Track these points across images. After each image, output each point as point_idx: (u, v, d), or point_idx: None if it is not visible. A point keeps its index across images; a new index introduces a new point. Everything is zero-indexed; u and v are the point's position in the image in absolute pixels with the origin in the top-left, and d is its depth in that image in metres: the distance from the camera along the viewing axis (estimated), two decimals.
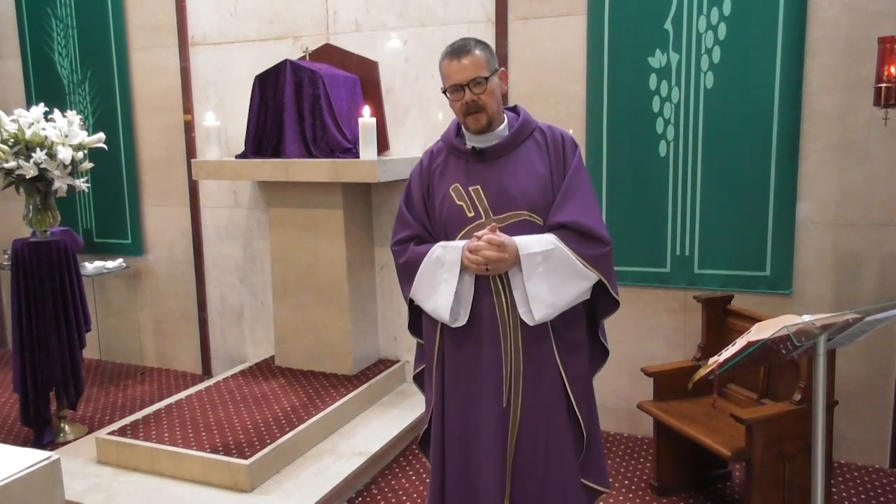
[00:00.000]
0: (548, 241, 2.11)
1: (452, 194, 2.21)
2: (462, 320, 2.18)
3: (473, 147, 2.20)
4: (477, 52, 2.11)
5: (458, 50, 2.12)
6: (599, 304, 2.26)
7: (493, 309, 2.17)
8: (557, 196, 2.17)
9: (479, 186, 2.18)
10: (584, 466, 2.28)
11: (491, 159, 2.19)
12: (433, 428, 2.34)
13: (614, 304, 2.25)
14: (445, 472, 2.29)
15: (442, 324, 2.24)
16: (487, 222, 2.16)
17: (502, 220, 2.15)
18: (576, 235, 2.13)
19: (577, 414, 2.23)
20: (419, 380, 2.46)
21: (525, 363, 2.18)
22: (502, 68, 2.22)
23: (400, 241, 2.32)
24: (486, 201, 2.17)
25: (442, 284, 2.16)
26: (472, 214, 2.18)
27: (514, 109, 2.30)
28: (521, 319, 2.15)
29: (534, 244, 2.10)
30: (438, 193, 2.24)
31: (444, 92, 2.17)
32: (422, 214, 2.29)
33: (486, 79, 2.11)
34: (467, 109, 2.13)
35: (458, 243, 2.16)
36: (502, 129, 2.21)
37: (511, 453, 2.20)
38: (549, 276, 2.10)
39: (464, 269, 2.14)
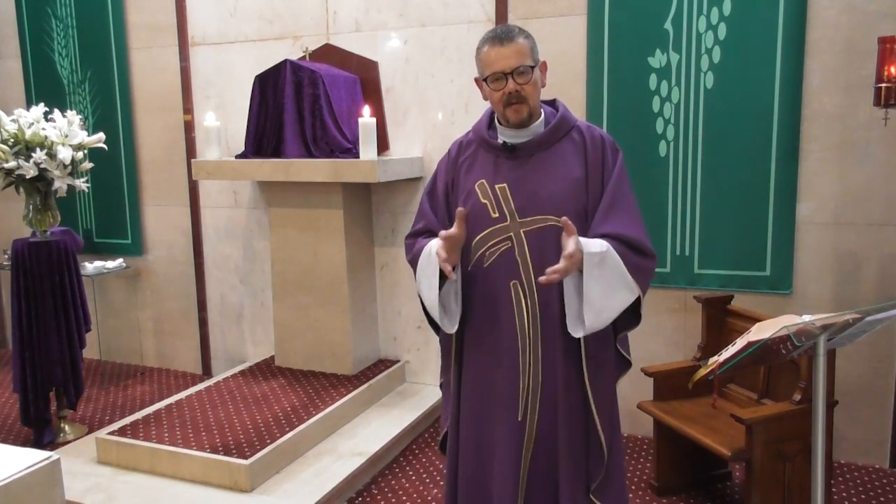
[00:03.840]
0: (601, 243, 1.97)
1: (477, 191, 2.07)
2: (449, 327, 2.08)
3: (505, 142, 2.07)
4: (521, 39, 1.98)
5: (502, 36, 1.98)
6: (620, 318, 2.11)
7: (511, 318, 2.06)
8: (601, 204, 2.03)
9: (506, 185, 2.04)
10: (603, 490, 2.12)
11: (523, 157, 2.06)
12: (449, 435, 2.25)
13: (636, 320, 2.13)
14: (458, 480, 2.22)
15: (462, 329, 2.14)
16: (512, 225, 2.04)
17: (528, 224, 2.03)
18: (623, 246, 2.00)
19: (601, 435, 2.09)
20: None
21: (544, 377, 2.06)
22: (543, 60, 2.07)
23: (413, 233, 2.20)
24: (512, 202, 2.04)
25: (433, 279, 2.04)
26: (497, 215, 2.04)
27: (553, 103, 2.15)
28: (542, 329, 2.03)
29: (593, 244, 1.95)
30: (463, 188, 2.11)
31: (485, 80, 2.01)
32: (442, 207, 2.16)
33: (532, 68, 1.99)
34: (508, 100, 1.99)
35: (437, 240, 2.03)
36: (538, 124, 2.07)
37: (526, 468, 2.10)
38: (601, 280, 1.95)
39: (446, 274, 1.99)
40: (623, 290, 2.00)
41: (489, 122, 2.16)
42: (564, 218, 1.92)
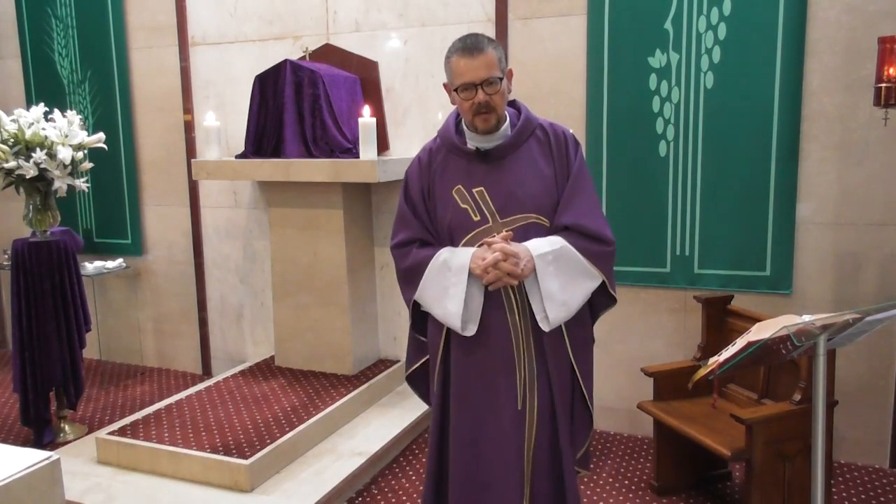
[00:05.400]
0: (555, 240, 2.10)
1: (456, 197, 2.15)
2: (472, 329, 2.14)
3: (477, 148, 2.15)
4: (490, 50, 2.05)
5: (472, 47, 2.04)
6: (595, 301, 2.25)
7: (503, 316, 2.14)
8: (562, 197, 2.13)
9: (483, 188, 2.13)
10: (583, 458, 2.34)
11: (494, 160, 2.14)
12: (431, 432, 2.29)
13: (611, 301, 2.26)
14: (451, 476, 2.24)
15: (448, 328, 2.20)
16: (495, 226, 2.11)
17: (510, 224, 2.11)
18: (580, 236, 2.12)
19: (590, 407, 2.27)
20: (413, 379, 2.41)
21: (539, 365, 2.16)
22: (510, 68, 2.16)
23: (401, 243, 2.25)
24: (492, 204, 2.12)
25: (451, 289, 2.11)
26: (479, 218, 2.13)
27: (514, 104, 2.23)
28: (532, 322, 2.12)
29: (544, 245, 2.08)
30: (440, 195, 2.18)
31: (455, 89, 2.08)
32: (423, 214, 2.22)
33: (500, 79, 2.06)
34: (477, 109, 2.06)
35: (467, 249, 2.12)
36: (505, 128, 2.15)
37: (530, 455, 2.18)
38: (559, 275, 2.08)
39: (472, 276, 2.09)
40: (584, 278, 2.13)
41: (455, 127, 2.21)
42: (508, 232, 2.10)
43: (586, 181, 2.19)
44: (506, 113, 2.17)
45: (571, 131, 2.25)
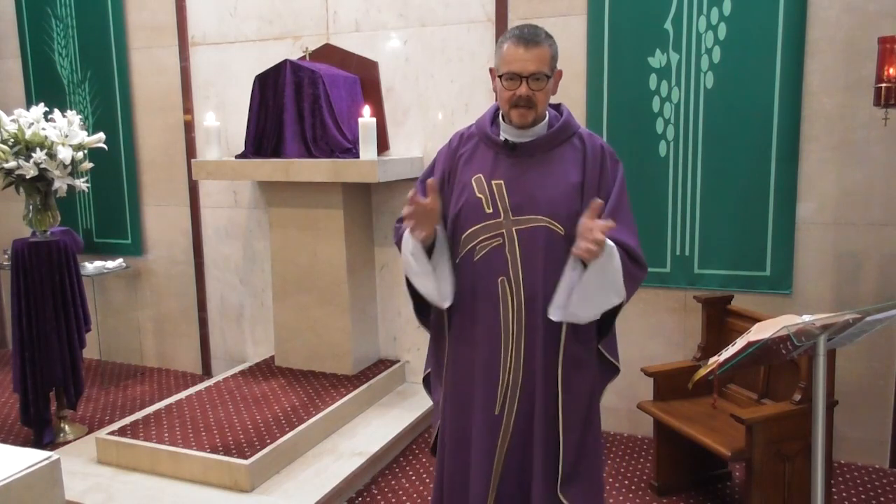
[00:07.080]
0: (610, 243, 1.95)
1: (473, 184, 2.07)
2: (447, 301, 2.07)
3: (506, 139, 2.07)
4: (546, 46, 1.98)
5: (528, 38, 1.96)
6: (602, 322, 2.15)
7: (496, 313, 2.06)
8: (605, 211, 1.99)
9: (502, 182, 2.04)
10: (571, 488, 2.10)
11: (523, 156, 2.06)
12: (439, 431, 2.26)
13: (610, 328, 2.18)
14: (444, 475, 2.22)
15: (449, 322, 2.14)
16: (505, 222, 2.03)
17: (521, 223, 2.03)
18: (624, 253, 2.00)
19: (560, 433, 2.07)
20: (428, 383, 2.35)
21: (524, 373, 2.07)
22: (560, 69, 2.07)
23: (402, 218, 2.15)
24: (507, 200, 2.03)
25: (410, 255, 2.05)
26: (491, 211, 2.04)
27: (557, 108, 2.16)
28: (526, 326, 2.04)
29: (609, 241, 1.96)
30: (460, 180, 2.10)
31: (499, 76, 2.00)
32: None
33: (548, 77, 1.99)
34: (517, 102, 1.98)
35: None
36: (541, 126, 2.07)
37: (500, 461, 2.10)
38: (601, 274, 1.95)
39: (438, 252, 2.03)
40: (612, 292, 2.01)
41: (493, 117, 2.15)
42: (598, 201, 1.91)
43: (626, 200, 2.08)
44: (546, 113, 2.09)
45: (611, 147, 2.15)
